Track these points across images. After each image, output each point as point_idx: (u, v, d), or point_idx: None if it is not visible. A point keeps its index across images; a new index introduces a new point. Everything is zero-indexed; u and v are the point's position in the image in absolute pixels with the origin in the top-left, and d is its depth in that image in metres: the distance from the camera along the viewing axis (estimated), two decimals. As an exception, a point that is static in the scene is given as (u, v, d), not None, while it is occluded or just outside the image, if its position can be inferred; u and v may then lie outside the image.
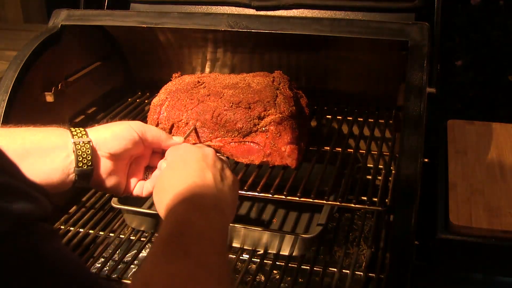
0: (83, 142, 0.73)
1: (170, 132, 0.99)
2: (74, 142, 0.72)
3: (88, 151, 0.73)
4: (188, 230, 0.58)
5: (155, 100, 1.01)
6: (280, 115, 0.93)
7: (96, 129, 0.77)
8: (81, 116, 1.23)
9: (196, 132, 0.97)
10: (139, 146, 0.79)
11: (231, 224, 1.10)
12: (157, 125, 1.00)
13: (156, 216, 1.12)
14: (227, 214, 0.67)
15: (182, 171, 0.69)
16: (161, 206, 0.67)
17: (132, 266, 1.05)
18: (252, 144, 0.95)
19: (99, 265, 1.05)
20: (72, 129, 0.74)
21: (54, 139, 0.73)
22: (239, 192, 0.81)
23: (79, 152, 0.72)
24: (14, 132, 0.71)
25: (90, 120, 1.22)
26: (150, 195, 0.79)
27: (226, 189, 0.69)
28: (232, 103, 0.94)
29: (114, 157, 0.76)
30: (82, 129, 0.75)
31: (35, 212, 0.36)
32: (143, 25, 1.07)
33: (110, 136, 0.76)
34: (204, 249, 0.56)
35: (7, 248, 0.33)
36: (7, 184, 0.35)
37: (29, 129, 0.73)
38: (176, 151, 0.76)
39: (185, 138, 0.87)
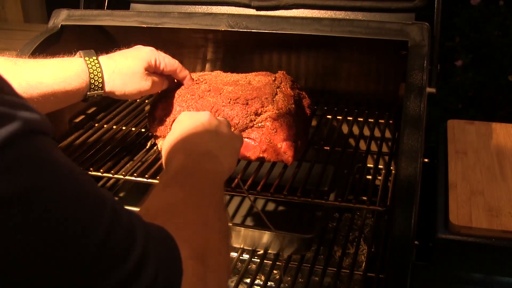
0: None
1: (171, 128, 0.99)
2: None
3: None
4: (181, 171, 0.64)
5: (156, 98, 1.02)
6: (277, 112, 0.93)
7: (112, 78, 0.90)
8: (81, 116, 1.23)
9: None
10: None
11: (230, 224, 1.10)
12: (157, 121, 1.00)
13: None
14: (221, 162, 0.71)
15: (178, 131, 0.74)
16: (163, 162, 0.73)
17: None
18: (248, 140, 0.94)
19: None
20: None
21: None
22: (239, 192, 0.81)
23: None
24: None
25: (90, 120, 1.22)
26: None
27: (220, 140, 0.74)
28: (230, 99, 0.94)
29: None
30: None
31: (40, 122, 0.37)
32: (143, 25, 1.07)
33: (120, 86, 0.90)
34: (197, 182, 0.62)
35: (20, 149, 0.34)
36: (8, 99, 0.35)
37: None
38: (177, 120, 0.80)
39: None
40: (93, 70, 0.87)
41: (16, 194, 0.33)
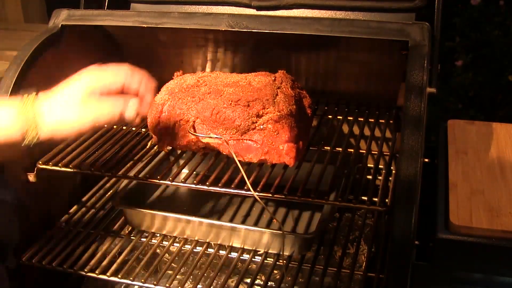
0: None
1: (172, 130, 0.99)
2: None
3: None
4: None
5: (157, 99, 1.02)
6: (278, 114, 0.93)
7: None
8: (81, 116, 1.23)
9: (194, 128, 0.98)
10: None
11: (232, 224, 1.10)
12: (158, 124, 1.00)
13: (156, 216, 1.12)
14: None
15: None
16: None
17: (133, 265, 1.05)
18: (250, 142, 0.94)
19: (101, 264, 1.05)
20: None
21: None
22: (239, 191, 0.80)
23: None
24: None
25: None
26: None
27: None
28: (231, 101, 0.94)
29: None
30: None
31: None
32: (143, 25, 1.07)
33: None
34: None
35: None
36: None
37: None
38: None
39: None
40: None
41: None
